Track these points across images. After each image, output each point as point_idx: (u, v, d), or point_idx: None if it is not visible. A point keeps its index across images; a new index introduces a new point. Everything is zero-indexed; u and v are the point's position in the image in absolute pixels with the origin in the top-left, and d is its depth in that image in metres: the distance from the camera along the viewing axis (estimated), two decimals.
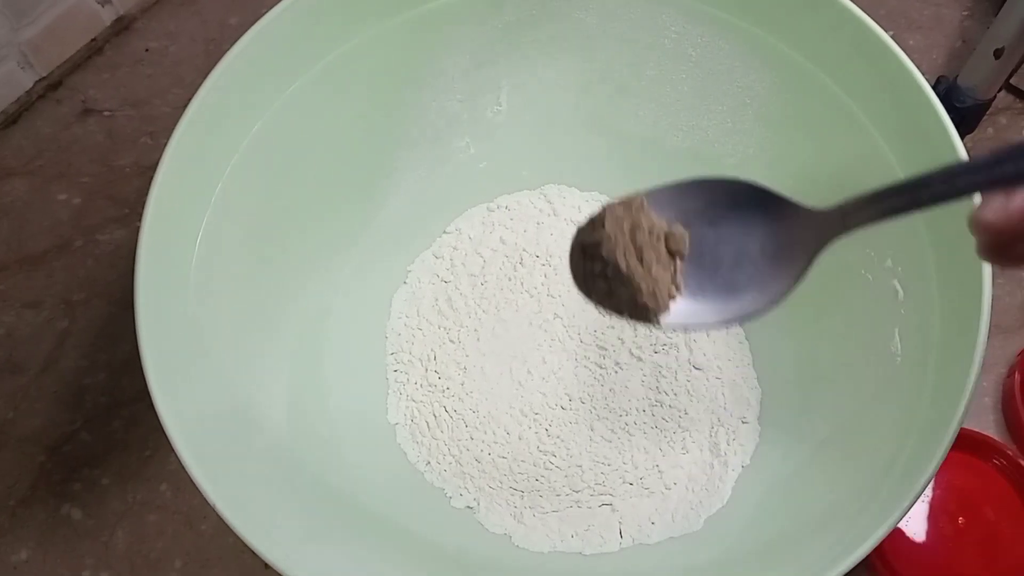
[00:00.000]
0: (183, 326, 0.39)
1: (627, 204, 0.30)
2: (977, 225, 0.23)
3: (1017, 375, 0.49)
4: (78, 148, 0.61)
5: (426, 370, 0.51)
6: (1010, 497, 0.47)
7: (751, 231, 0.29)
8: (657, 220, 0.29)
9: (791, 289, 0.28)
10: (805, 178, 0.47)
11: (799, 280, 0.28)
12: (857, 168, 0.44)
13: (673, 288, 0.29)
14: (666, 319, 0.29)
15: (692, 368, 0.50)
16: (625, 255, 0.29)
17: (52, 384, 0.54)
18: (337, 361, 0.49)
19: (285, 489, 0.41)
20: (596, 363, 0.50)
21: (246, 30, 0.42)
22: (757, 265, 0.29)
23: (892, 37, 0.40)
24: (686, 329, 0.31)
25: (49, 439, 0.52)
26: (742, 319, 0.30)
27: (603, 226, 0.30)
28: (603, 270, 0.30)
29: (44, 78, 0.63)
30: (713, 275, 0.29)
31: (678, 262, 0.29)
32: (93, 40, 0.64)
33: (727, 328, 0.29)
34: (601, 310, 0.31)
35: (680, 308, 0.29)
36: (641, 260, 0.29)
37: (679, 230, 0.29)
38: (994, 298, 0.35)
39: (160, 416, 0.35)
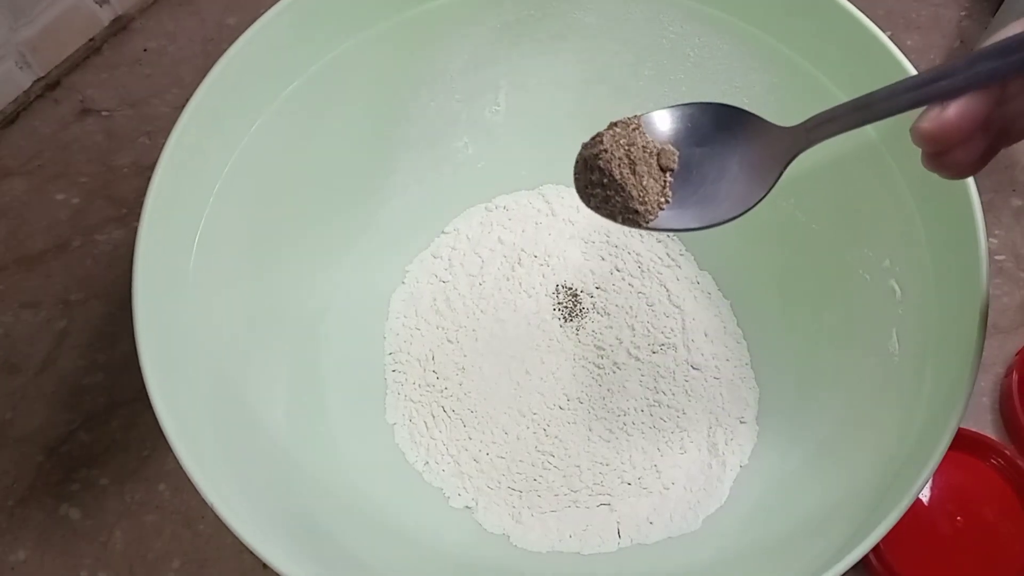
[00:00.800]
0: (181, 326, 0.39)
1: (625, 123, 0.34)
2: (916, 134, 0.27)
3: (1015, 375, 0.50)
4: (76, 148, 0.61)
5: (424, 370, 0.51)
6: (1008, 497, 0.47)
7: (731, 148, 0.33)
8: (651, 139, 0.33)
9: (763, 196, 0.32)
10: (802, 178, 0.47)
11: (770, 188, 0.32)
12: (855, 167, 0.44)
13: (663, 199, 0.33)
14: (653, 222, 0.33)
15: (690, 368, 0.50)
16: (620, 166, 0.33)
17: (50, 384, 0.54)
18: (335, 361, 0.49)
19: (283, 489, 0.41)
20: (594, 363, 0.50)
21: (244, 30, 0.41)
22: (736, 178, 0.33)
23: (890, 37, 0.40)
24: (670, 231, 0.35)
25: (47, 439, 0.52)
26: (719, 222, 0.33)
27: (603, 141, 0.34)
28: (600, 179, 0.34)
29: (42, 78, 0.63)
30: (697, 188, 0.33)
31: (668, 176, 0.33)
32: (91, 40, 0.64)
33: (706, 229, 0.34)
34: (598, 214, 0.35)
35: (666, 215, 0.33)
36: (634, 172, 0.33)
37: (670, 148, 0.33)
38: (992, 298, 0.36)
39: (158, 416, 0.35)
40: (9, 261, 0.57)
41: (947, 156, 0.27)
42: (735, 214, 0.33)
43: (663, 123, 0.34)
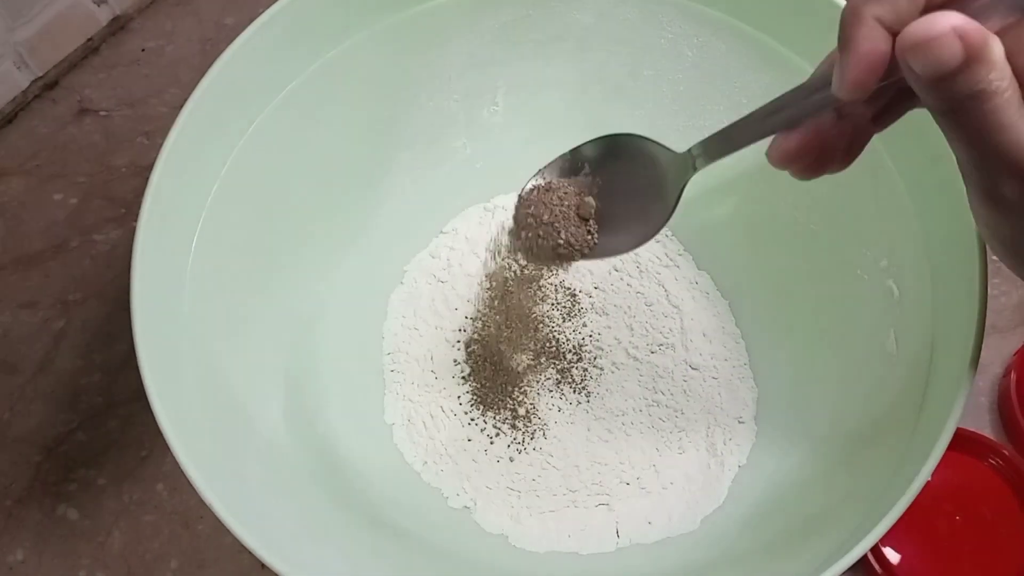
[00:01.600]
0: (179, 326, 0.39)
1: (540, 188, 0.38)
2: (770, 161, 0.30)
3: (1013, 375, 0.50)
4: (74, 148, 0.61)
5: (423, 370, 0.51)
6: (1006, 496, 0.47)
7: (637, 173, 0.36)
8: (566, 193, 0.37)
9: (664, 222, 0.35)
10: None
11: (671, 213, 0.35)
12: (852, 167, 0.44)
13: (590, 238, 0.37)
14: (583, 256, 0.37)
15: (689, 368, 0.50)
16: (549, 217, 0.37)
17: (48, 384, 0.54)
18: (334, 361, 0.49)
19: (282, 489, 0.40)
20: (593, 363, 0.50)
21: (242, 30, 0.41)
22: (644, 203, 0.36)
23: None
24: (598, 257, 0.38)
25: (45, 439, 0.52)
26: (630, 249, 0.36)
27: (529, 206, 0.38)
28: (535, 231, 0.37)
29: (40, 78, 0.63)
30: (616, 208, 0.37)
31: (591, 223, 0.37)
32: (89, 40, 0.64)
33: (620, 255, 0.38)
34: (533, 264, 0.39)
35: (597, 245, 0.37)
36: (558, 232, 0.37)
37: (587, 201, 0.37)
38: (990, 298, 0.36)
39: (156, 416, 0.35)
40: (7, 261, 0.57)
41: (805, 170, 0.30)
42: (641, 240, 0.36)
43: (573, 163, 0.37)
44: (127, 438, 0.52)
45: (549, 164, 0.38)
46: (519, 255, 0.40)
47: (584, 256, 0.37)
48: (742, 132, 0.31)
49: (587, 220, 0.37)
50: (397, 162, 0.52)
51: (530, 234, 0.38)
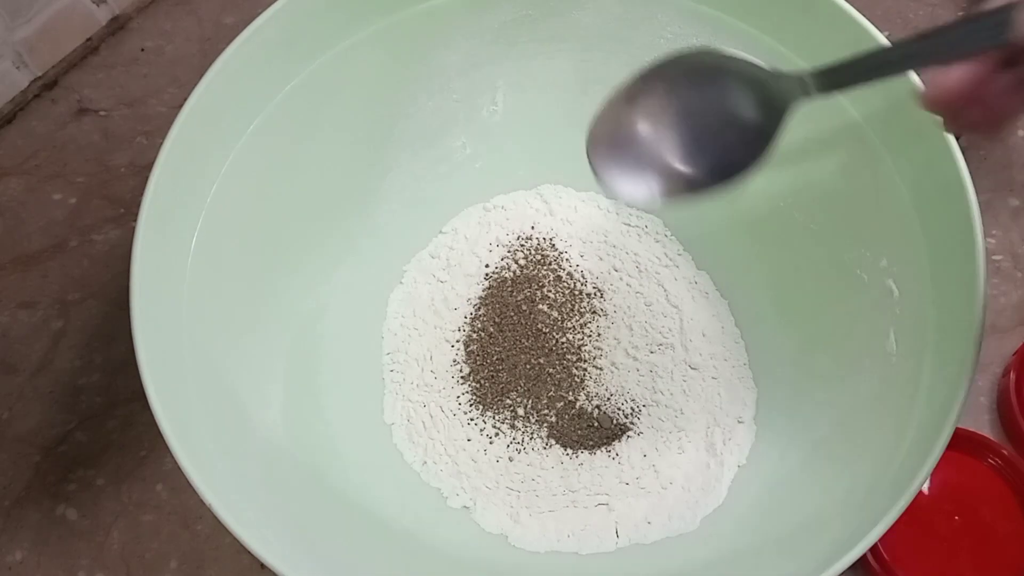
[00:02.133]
0: (179, 326, 0.39)
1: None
2: (922, 102, 0.27)
3: (1012, 374, 0.50)
4: (73, 148, 0.61)
5: (422, 370, 0.51)
6: (1005, 496, 0.47)
7: (731, 96, 0.31)
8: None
9: (768, 150, 0.31)
10: (800, 178, 0.47)
11: (767, 150, 0.30)
12: (852, 167, 0.44)
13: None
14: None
15: (688, 368, 0.50)
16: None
17: (47, 384, 0.54)
18: (333, 361, 0.49)
19: (281, 489, 0.40)
20: (593, 363, 0.50)
21: (242, 30, 0.41)
22: (740, 127, 0.31)
23: (888, 37, 0.40)
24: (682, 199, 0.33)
25: (44, 439, 0.52)
26: (727, 185, 0.32)
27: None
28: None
29: (39, 78, 0.63)
30: (702, 138, 0.32)
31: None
32: (88, 40, 0.64)
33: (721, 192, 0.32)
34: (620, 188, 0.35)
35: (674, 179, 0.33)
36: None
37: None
38: (989, 298, 0.36)
39: (156, 416, 0.35)
40: (6, 261, 0.57)
41: (962, 119, 0.27)
42: (742, 172, 0.31)
43: (643, 87, 0.33)
44: (126, 438, 0.52)
45: (616, 89, 0.34)
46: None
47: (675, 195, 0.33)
48: (885, 59, 0.27)
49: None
50: (397, 162, 0.52)
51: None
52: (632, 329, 0.51)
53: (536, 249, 0.54)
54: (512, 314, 0.52)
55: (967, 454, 0.48)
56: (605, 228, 0.54)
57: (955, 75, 0.26)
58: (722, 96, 0.31)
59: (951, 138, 0.38)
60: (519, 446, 0.49)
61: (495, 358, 0.51)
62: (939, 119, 0.28)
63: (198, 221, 0.41)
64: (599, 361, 0.51)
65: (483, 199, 0.55)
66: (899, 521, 0.33)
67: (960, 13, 0.63)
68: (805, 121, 0.45)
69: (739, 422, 0.48)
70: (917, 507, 0.47)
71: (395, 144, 0.51)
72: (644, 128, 0.33)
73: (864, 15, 0.41)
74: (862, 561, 0.46)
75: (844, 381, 0.45)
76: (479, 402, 0.50)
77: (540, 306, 0.52)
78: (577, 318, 0.52)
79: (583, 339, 0.51)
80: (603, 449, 0.48)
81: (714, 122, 0.31)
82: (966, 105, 0.26)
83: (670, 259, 0.53)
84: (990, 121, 0.27)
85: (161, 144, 0.39)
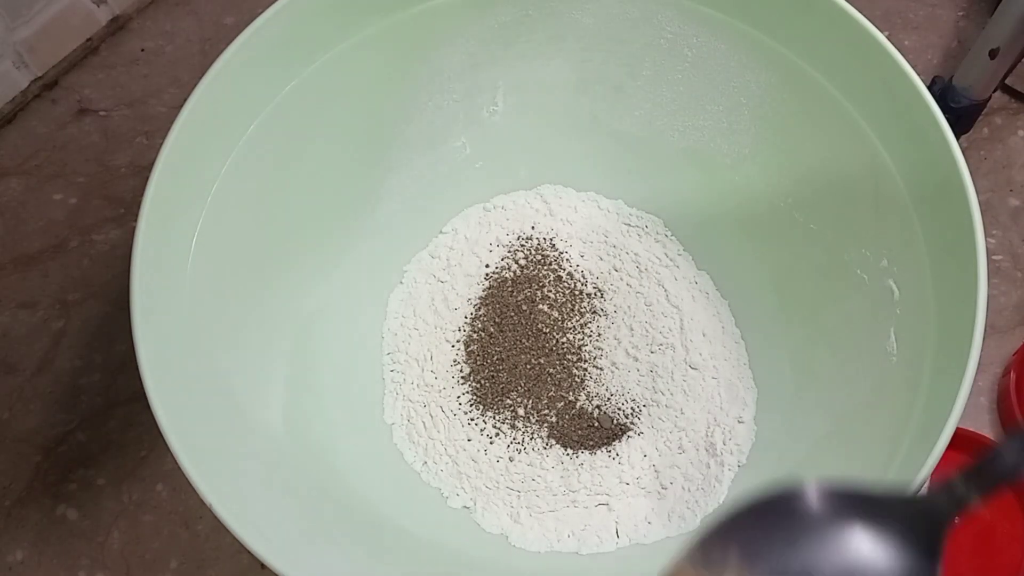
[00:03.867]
0: (179, 326, 0.39)
1: None
2: None
3: (1012, 375, 0.50)
4: (74, 148, 0.61)
5: (422, 370, 0.51)
6: (1006, 497, 0.47)
7: (841, 551, 0.23)
8: None
9: None
10: (800, 178, 0.47)
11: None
12: (852, 168, 0.44)
13: None
14: None
15: (688, 368, 0.50)
16: None
17: (47, 384, 0.54)
18: (333, 361, 0.49)
19: (281, 489, 0.40)
20: (593, 363, 0.50)
21: (242, 30, 0.41)
22: None
23: (887, 37, 0.40)
24: None
25: (44, 439, 0.52)
26: None
27: None
28: None
29: (39, 78, 0.63)
30: None
31: None
32: (88, 40, 0.64)
33: None
34: None
35: None
36: None
37: None
38: (989, 298, 0.36)
39: (156, 416, 0.35)
40: (6, 261, 0.57)
41: None
42: None
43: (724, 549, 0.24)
44: (127, 438, 0.52)
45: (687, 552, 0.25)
46: None
47: None
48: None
49: None
50: (396, 162, 0.52)
51: None
52: (632, 329, 0.51)
53: (536, 249, 0.54)
54: (512, 314, 0.52)
55: (966, 454, 0.48)
56: (605, 228, 0.54)
57: None
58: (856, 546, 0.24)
59: (951, 138, 0.38)
60: (519, 446, 0.49)
61: (495, 358, 0.51)
62: None
63: (198, 221, 0.41)
64: (599, 361, 0.51)
65: (483, 199, 0.55)
66: None
67: (960, 13, 0.63)
68: (805, 121, 0.46)
69: (739, 422, 0.48)
70: None
71: (395, 144, 0.51)
72: None
73: (864, 15, 0.41)
74: None
75: (844, 381, 0.45)
76: (479, 402, 0.50)
77: (540, 306, 0.52)
78: (577, 318, 0.52)
79: (583, 339, 0.51)
80: (603, 449, 0.48)
81: None
82: None
83: (670, 259, 0.53)
84: None
85: (161, 144, 0.39)
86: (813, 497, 0.24)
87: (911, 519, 0.23)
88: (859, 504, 0.23)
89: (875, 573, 0.23)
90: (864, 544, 0.23)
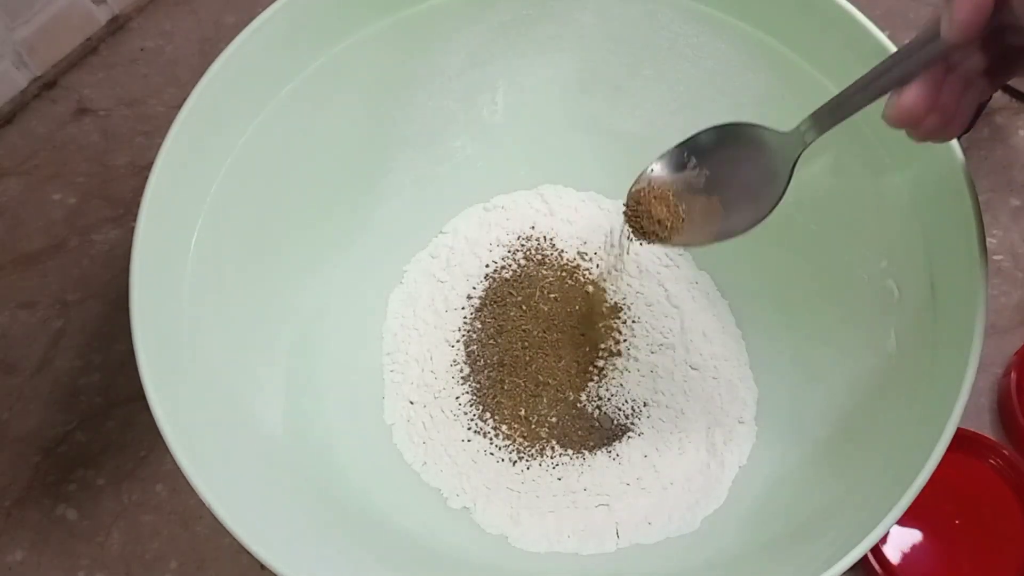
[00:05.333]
0: (178, 326, 0.39)
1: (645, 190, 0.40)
2: (886, 121, 0.31)
3: (1013, 375, 0.50)
4: (73, 148, 0.61)
5: (422, 370, 0.51)
6: (1006, 497, 0.47)
7: (747, 158, 0.38)
8: (662, 184, 0.40)
9: (777, 200, 0.36)
10: (800, 178, 0.47)
11: (783, 191, 0.36)
12: (853, 167, 0.44)
13: (679, 222, 0.39)
14: (686, 239, 0.39)
15: (689, 368, 0.50)
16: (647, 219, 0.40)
17: (47, 384, 0.53)
18: (333, 361, 0.49)
19: (281, 489, 0.40)
20: (592, 363, 0.50)
21: (241, 30, 0.41)
22: (752, 187, 0.37)
23: (888, 37, 0.40)
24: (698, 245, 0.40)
25: (44, 440, 0.52)
26: (748, 227, 0.37)
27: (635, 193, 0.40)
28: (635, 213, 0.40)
29: (39, 77, 0.63)
30: (730, 193, 0.38)
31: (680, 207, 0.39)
32: (88, 40, 0.64)
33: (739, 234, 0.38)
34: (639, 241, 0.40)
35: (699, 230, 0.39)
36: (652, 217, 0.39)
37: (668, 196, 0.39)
38: (989, 298, 0.36)
39: (155, 417, 0.35)
40: (5, 261, 0.57)
41: (922, 127, 0.31)
42: (756, 220, 0.37)
43: (680, 156, 0.39)
44: (126, 438, 0.52)
45: (658, 159, 0.40)
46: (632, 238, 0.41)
47: (697, 242, 0.39)
48: (854, 96, 0.32)
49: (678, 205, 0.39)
50: (397, 162, 0.52)
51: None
52: (632, 329, 0.51)
53: (536, 249, 0.54)
54: (512, 314, 0.52)
55: (967, 454, 0.48)
56: (605, 228, 0.54)
57: (910, 92, 0.30)
58: (748, 156, 0.37)
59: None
60: (519, 447, 0.49)
61: (495, 358, 0.51)
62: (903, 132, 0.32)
63: (198, 221, 0.41)
64: (599, 362, 0.50)
65: (483, 199, 0.55)
66: (900, 521, 0.33)
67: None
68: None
69: (740, 422, 0.48)
70: (918, 507, 0.47)
71: (395, 144, 0.51)
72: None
73: (864, 14, 0.41)
74: (863, 561, 0.46)
75: (845, 381, 0.45)
76: (479, 402, 0.50)
77: (540, 306, 0.52)
78: (577, 319, 0.52)
79: (583, 339, 0.51)
80: (603, 449, 0.48)
81: (744, 177, 0.38)
82: (925, 115, 0.30)
83: (670, 259, 0.53)
84: (948, 124, 0.31)
85: (161, 144, 0.39)
86: (731, 130, 0.38)
87: (780, 145, 0.36)
88: (755, 135, 0.37)
89: (759, 172, 0.37)
90: (754, 158, 0.37)
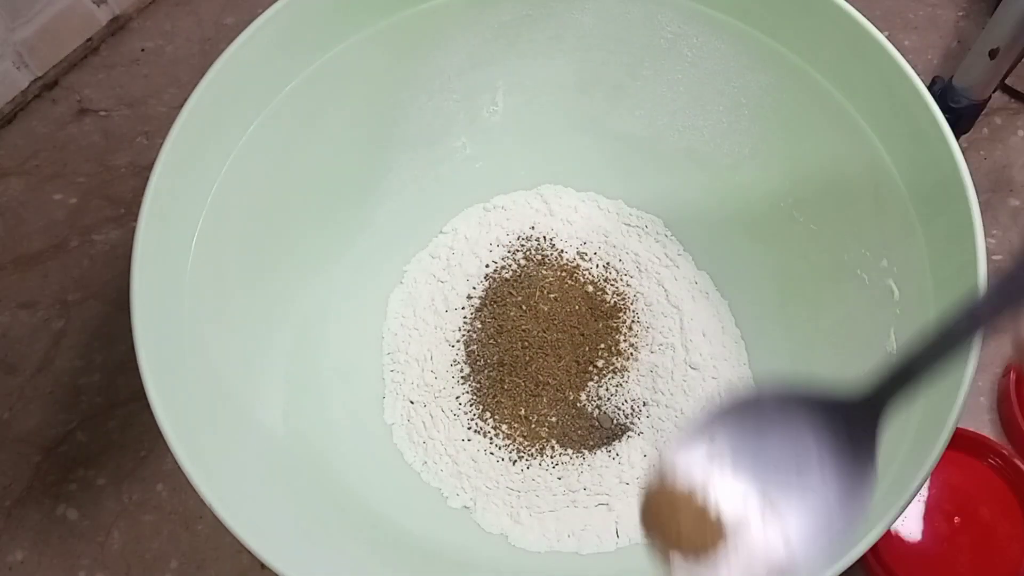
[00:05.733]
0: (179, 326, 0.39)
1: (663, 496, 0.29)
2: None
3: (1012, 374, 0.50)
4: (74, 148, 0.61)
5: (422, 370, 0.51)
6: (1006, 496, 0.47)
7: (792, 439, 0.27)
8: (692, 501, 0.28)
9: (872, 483, 0.27)
10: (800, 178, 0.47)
11: (874, 473, 0.27)
12: (852, 168, 0.44)
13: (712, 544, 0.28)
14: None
15: (688, 368, 0.50)
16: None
17: (47, 384, 0.54)
18: (333, 361, 0.49)
19: (281, 489, 0.40)
20: (592, 363, 0.50)
21: (242, 30, 0.41)
22: (827, 477, 0.27)
23: (887, 37, 0.40)
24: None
25: (45, 439, 0.52)
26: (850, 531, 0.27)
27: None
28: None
29: (40, 78, 0.63)
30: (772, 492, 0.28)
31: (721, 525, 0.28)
32: (89, 40, 0.64)
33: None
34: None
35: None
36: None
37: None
38: None
39: (156, 416, 0.35)
40: (6, 261, 0.57)
41: None
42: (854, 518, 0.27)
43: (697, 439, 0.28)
44: (127, 438, 0.52)
45: (670, 446, 0.30)
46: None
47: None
48: (960, 331, 0.26)
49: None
50: (396, 162, 0.52)
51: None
52: (632, 329, 0.51)
53: (536, 249, 0.54)
54: (512, 314, 0.52)
55: (967, 454, 0.48)
56: (605, 228, 0.54)
57: None
58: (782, 442, 0.28)
59: (951, 138, 0.38)
60: (519, 446, 0.49)
61: (495, 358, 0.51)
62: None
63: (198, 221, 0.41)
64: (599, 361, 0.50)
65: (483, 199, 0.55)
66: (899, 521, 0.33)
67: (960, 13, 0.63)
68: (805, 121, 0.46)
69: None
70: (917, 507, 0.47)
71: (395, 144, 0.51)
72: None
73: (864, 15, 0.41)
74: (863, 561, 0.46)
75: (844, 381, 0.45)
76: (479, 402, 0.50)
77: (540, 306, 0.52)
78: (577, 318, 0.52)
79: (583, 339, 0.51)
80: (603, 449, 0.48)
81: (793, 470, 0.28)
82: None
83: (670, 259, 0.53)
84: None
85: (161, 144, 0.39)
86: (769, 399, 0.28)
87: (851, 412, 0.27)
88: (809, 402, 0.27)
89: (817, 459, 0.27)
90: (808, 435, 0.27)
